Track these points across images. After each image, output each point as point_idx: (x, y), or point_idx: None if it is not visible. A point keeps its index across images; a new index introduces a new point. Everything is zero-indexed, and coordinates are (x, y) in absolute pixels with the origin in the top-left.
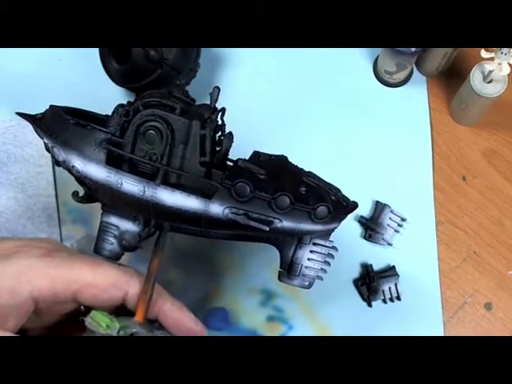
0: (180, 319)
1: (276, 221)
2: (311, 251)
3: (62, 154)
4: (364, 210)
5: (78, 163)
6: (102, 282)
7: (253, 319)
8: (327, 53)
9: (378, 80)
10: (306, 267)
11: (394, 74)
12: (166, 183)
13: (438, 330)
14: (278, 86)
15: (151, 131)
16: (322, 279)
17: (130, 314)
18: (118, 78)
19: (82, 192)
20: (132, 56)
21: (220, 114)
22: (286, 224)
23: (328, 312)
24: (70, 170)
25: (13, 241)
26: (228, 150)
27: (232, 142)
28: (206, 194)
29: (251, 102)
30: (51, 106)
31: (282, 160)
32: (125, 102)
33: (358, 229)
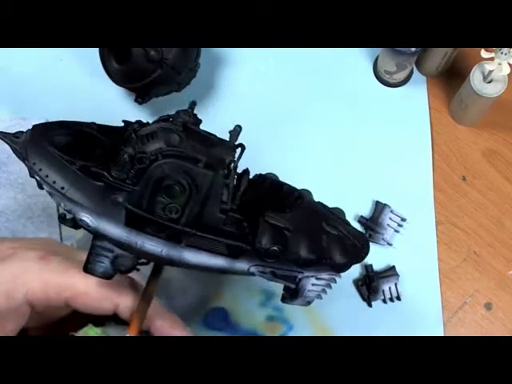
0: (172, 335)
1: (299, 274)
2: (316, 278)
3: (66, 204)
4: (364, 209)
5: (90, 219)
6: (94, 293)
7: (253, 319)
8: (327, 53)
9: (378, 80)
10: (308, 290)
11: (394, 74)
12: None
13: (437, 330)
14: (277, 86)
15: (174, 186)
16: (321, 298)
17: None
18: (117, 77)
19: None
20: (132, 56)
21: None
22: (307, 274)
23: (328, 312)
24: (76, 221)
25: (11, 242)
26: (245, 190)
27: (248, 179)
28: (232, 253)
29: (251, 102)
30: (34, 128)
31: (301, 203)
32: (130, 121)
33: (358, 229)
